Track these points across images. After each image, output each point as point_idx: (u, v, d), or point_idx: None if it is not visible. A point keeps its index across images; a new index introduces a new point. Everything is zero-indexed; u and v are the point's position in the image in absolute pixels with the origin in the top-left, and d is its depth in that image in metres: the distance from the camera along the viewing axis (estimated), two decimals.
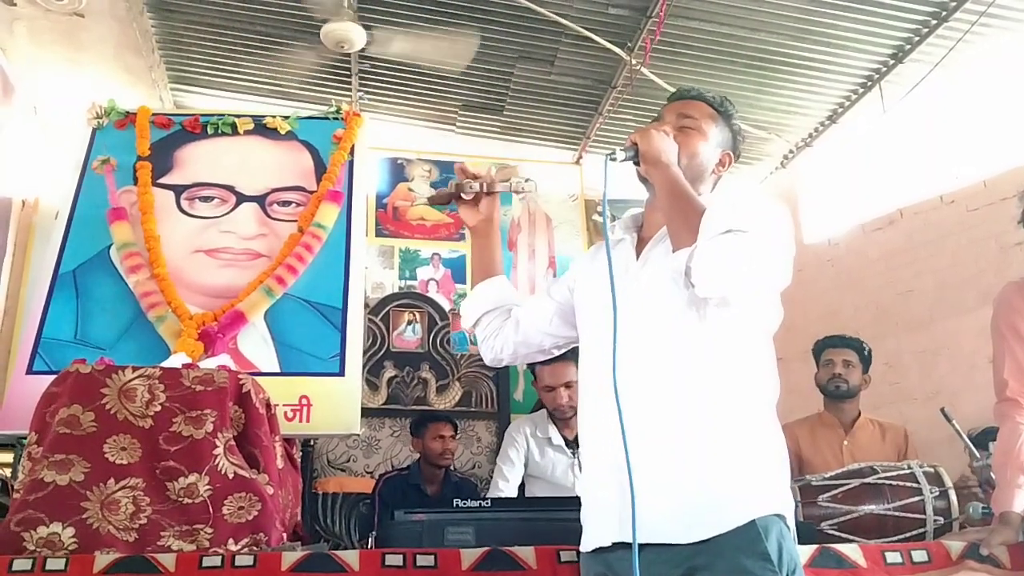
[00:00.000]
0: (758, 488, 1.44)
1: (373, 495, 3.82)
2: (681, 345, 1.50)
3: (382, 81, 5.29)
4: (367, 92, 5.36)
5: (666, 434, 1.46)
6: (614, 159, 1.60)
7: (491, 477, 4.66)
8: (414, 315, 5.14)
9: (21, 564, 1.67)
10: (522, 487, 3.24)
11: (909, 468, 2.24)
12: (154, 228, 2.93)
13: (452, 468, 4.06)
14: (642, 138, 1.60)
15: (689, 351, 1.49)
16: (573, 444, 3.11)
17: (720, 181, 1.76)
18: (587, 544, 1.55)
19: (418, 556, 1.76)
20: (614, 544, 1.45)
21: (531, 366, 1.52)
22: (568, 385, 3.05)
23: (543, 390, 3.13)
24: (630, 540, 1.36)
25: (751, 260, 1.42)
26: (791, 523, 1.45)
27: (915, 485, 2.18)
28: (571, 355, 2.94)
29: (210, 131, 3.28)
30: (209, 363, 2.35)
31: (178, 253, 2.92)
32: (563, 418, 3.12)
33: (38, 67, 4.87)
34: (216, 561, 1.72)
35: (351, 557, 1.75)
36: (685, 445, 1.44)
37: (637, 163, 1.61)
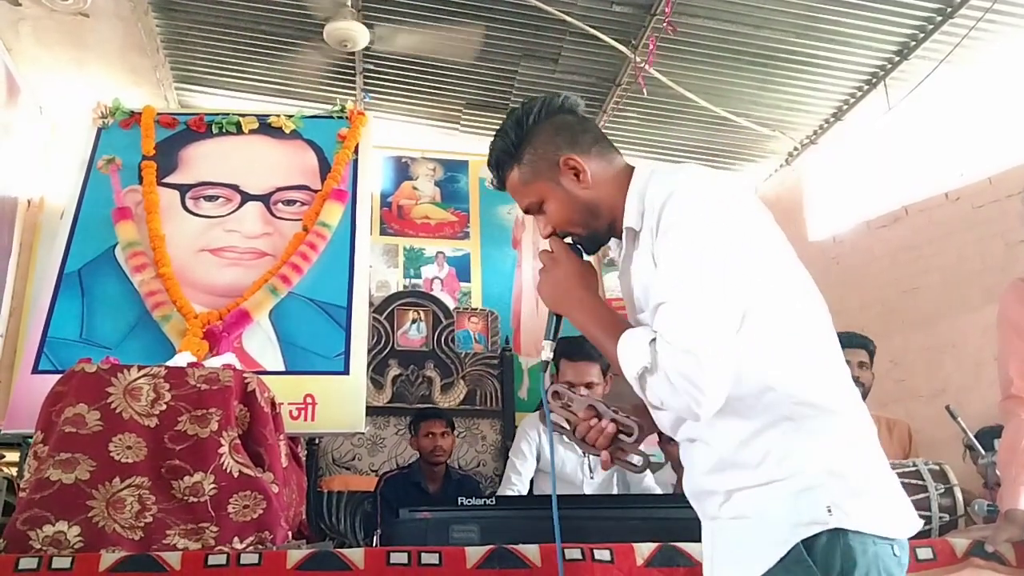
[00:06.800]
0: None
1: (375, 494, 3.82)
2: None
3: (386, 80, 5.30)
4: (371, 91, 5.36)
5: None
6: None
7: (495, 475, 4.68)
8: (419, 314, 5.15)
9: (27, 563, 1.67)
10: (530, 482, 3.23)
11: (914, 465, 2.24)
12: (159, 227, 2.93)
13: (456, 466, 4.06)
14: (541, 295, 1.48)
15: None
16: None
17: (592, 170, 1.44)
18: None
19: (423, 554, 1.76)
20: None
21: (555, 361, 1.36)
22: (589, 385, 3.01)
23: (563, 385, 3.09)
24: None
25: (687, 378, 1.21)
26: None
27: (920, 482, 2.18)
28: (596, 355, 2.93)
29: (215, 130, 3.28)
30: (214, 362, 2.35)
31: (183, 252, 2.92)
32: None
33: (43, 67, 4.88)
34: (221, 559, 1.72)
35: (356, 555, 1.75)
36: None
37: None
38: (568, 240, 1.49)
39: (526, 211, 1.50)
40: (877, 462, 1.35)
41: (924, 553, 1.88)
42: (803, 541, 1.24)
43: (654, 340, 1.26)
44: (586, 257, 1.51)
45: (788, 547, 1.25)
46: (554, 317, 1.48)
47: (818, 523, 1.24)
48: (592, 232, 1.46)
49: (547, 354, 1.48)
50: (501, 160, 1.47)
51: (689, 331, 1.22)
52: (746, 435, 1.31)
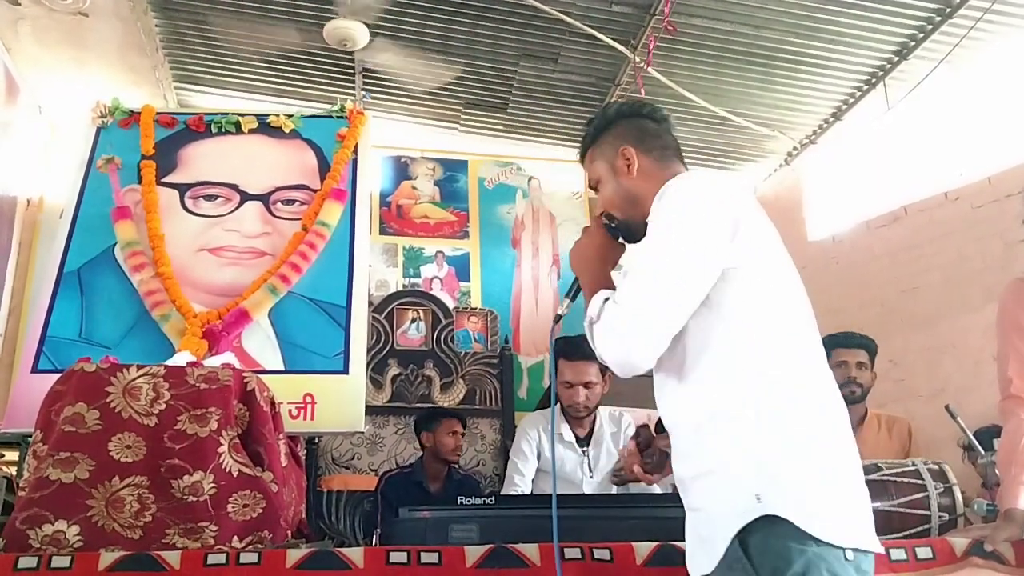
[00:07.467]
0: None
1: (376, 493, 3.82)
2: None
3: (386, 79, 5.29)
4: (371, 90, 5.36)
5: None
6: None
7: (495, 475, 4.68)
8: (418, 313, 5.14)
9: (26, 562, 1.67)
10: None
11: (913, 465, 2.24)
12: (158, 227, 2.93)
13: (456, 465, 4.06)
14: (570, 259, 1.70)
15: None
16: (583, 441, 3.11)
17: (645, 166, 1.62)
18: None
19: (422, 553, 1.76)
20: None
21: (556, 360, 1.55)
22: (587, 385, 3.01)
23: (562, 385, 3.08)
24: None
25: (619, 334, 1.40)
26: None
27: (919, 482, 2.17)
28: (595, 355, 2.93)
29: (214, 130, 3.28)
30: (213, 361, 2.34)
31: (182, 252, 2.92)
32: (576, 416, 3.10)
33: (43, 67, 4.88)
34: (221, 559, 1.72)
35: (355, 554, 1.75)
36: None
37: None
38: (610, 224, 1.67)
39: (590, 186, 1.75)
40: (839, 468, 1.35)
41: (923, 552, 1.88)
42: (739, 539, 1.26)
43: (608, 299, 1.45)
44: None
45: (727, 542, 1.27)
46: (576, 280, 1.66)
47: (750, 512, 1.27)
48: (629, 219, 1.62)
49: (562, 309, 1.68)
50: (584, 140, 1.73)
51: (636, 296, 1.39)
52: (703, 420, 1.37)
